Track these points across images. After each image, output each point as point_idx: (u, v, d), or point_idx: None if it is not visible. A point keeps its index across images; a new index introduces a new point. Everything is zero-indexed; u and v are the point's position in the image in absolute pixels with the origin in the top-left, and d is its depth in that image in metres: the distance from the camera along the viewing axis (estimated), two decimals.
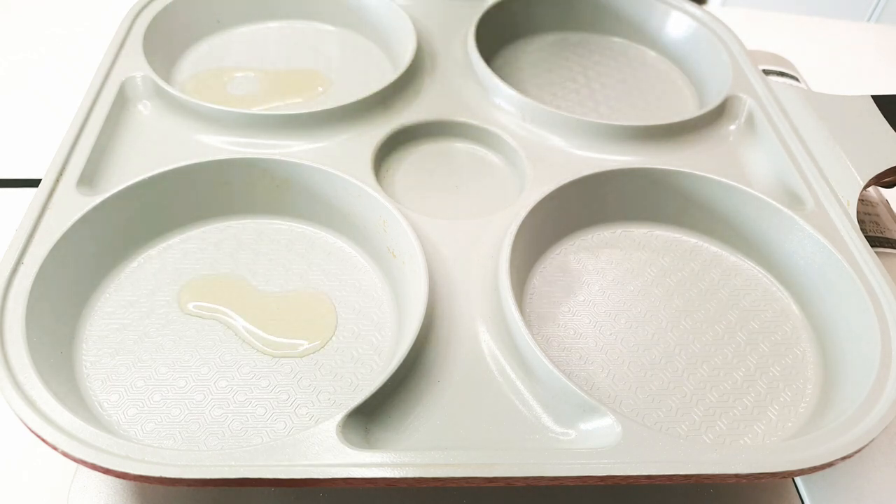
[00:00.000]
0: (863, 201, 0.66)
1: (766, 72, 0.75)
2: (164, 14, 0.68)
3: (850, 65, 0.90)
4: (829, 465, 0.41)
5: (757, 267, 0.57)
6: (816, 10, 1.38)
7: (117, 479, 0.44)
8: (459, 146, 0.63)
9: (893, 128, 0.62)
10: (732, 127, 0.65)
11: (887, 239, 0.64)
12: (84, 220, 0.50)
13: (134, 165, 0.56)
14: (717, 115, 0.65)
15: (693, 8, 0.76)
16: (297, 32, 0.75)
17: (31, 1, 0.86)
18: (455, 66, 0.69)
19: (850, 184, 0.58)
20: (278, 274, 0.53)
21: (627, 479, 0.40)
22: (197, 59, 0.71)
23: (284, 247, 0.55)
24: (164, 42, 0.68)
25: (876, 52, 0.95)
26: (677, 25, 0.76)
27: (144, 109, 0.61)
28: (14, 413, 0.40)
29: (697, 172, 0.57)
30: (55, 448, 0.39)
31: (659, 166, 0.57)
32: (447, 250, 0.52)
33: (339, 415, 0.40)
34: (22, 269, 0.46)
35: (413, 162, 0.61)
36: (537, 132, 0.62)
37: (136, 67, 0.62)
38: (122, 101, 0.60)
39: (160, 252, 0.54)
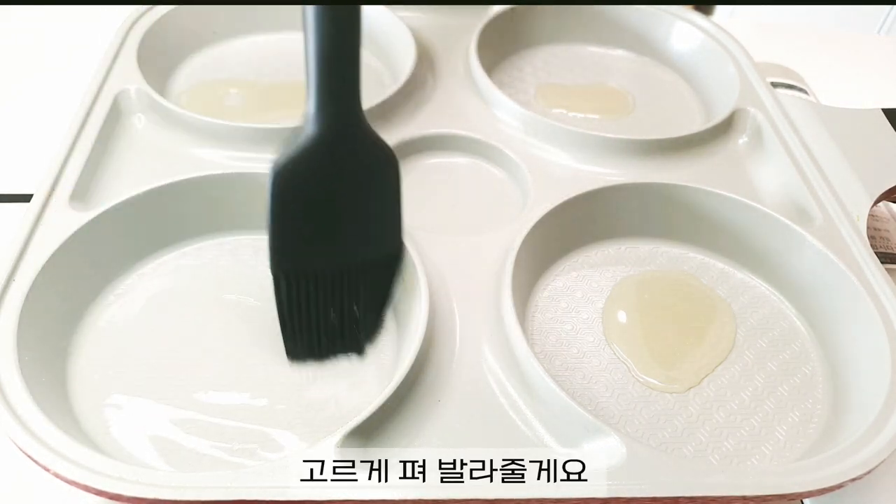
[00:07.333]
0: (872, 217, 0.66)
1: (775, 84, 0.75)
2: (159, 26, 0.68)
3: (860, 77, 0.90)
4: (839, 486, 0.41)
5: (765, 284, 0.56)
6: (826, 21, 1.37)
7: None
8: (461, 160, 0.63)
9: None
10: (740, 141, 0.64)
11: None
12: (76, 236, 0.49)
13: (128, 180, 0.55)
14: (725, 128, 0.64)
15: (700, 19, 0.75)
16: (296, 44, 0.74)
17: (23, 12, 0.86)
18: (456, 78, 0.68)
19: (860, 199, 0.57)
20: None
21: (632, 501, 0.40)
22: (192, 72, 0.70)
23: None
24: (159, 54, 0.68)
25: (887, 64, 0.94)
26: (684, 37, 0.76)
27: (139, 123, 0.60)
28: (5, 433, 0.39)
29: (704, 188, 0.56)
30: (47, 469, 0.38)
31: (665, 181, 0.57)
32: (448, 267, 0.52)
33: (338, 434, 0.40)
34: (13, 286, 0.46)
35: (413, 176, 0.61)
36: (540, 146, 0.61)
37: (129, 80, 0.61)
38: (115, 115, 0.59)
39: (154, 269, 0.53)
